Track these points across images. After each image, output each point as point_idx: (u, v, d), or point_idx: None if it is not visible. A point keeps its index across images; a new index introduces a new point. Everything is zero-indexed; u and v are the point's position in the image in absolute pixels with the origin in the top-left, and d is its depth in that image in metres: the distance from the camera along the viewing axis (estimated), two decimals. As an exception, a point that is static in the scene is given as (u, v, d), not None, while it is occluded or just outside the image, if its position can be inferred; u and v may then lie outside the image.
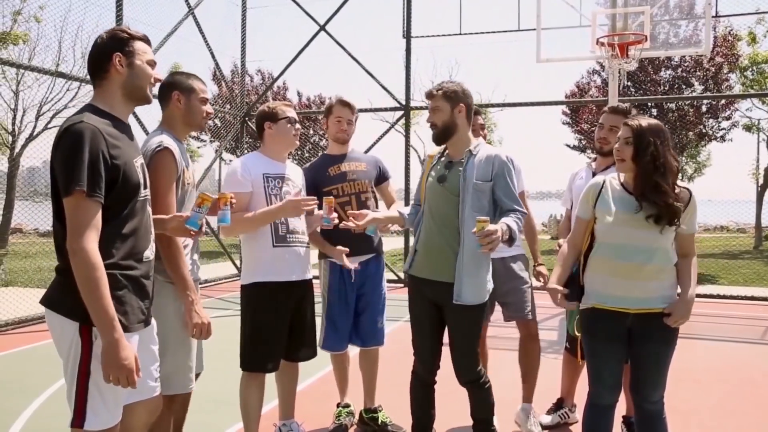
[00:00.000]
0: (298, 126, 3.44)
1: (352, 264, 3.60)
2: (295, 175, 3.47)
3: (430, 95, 3.14)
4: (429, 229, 3.13)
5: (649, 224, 2.71)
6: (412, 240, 3.33)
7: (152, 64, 2.36)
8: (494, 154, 3.11)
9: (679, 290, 2.83)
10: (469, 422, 3.26)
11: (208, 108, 2.95)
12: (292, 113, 3.41)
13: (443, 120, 3.11)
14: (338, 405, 4.02)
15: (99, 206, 2.10)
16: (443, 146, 3.22)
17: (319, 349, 3.66)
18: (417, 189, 3.34)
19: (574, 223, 3.01)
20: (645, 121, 2.78)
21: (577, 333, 3.02)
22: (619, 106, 3.77)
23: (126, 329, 2.17)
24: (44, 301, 2.21)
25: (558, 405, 4.09)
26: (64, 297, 2.11)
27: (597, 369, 2.88)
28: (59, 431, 2.18)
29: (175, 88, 2.87)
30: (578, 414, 4.06)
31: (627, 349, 2.85)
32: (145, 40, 2.37)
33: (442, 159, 3.21)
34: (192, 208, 2.65)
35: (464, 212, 3.03)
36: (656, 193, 2.68)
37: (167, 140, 2.74)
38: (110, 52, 2.27)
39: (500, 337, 4.20)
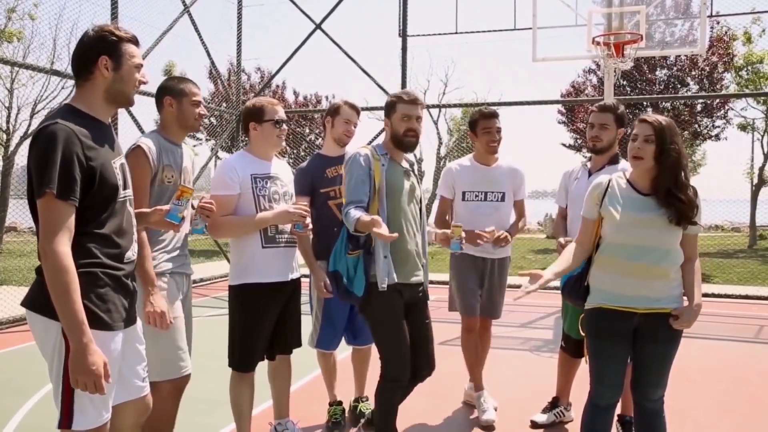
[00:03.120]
0: (284, 127, 3.39)
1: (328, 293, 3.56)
2: (283, 173, 3.44)
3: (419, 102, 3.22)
4: (404, 233, 3.14)
5: (659, 224, 2.69)
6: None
7: (139, 67, 2.30)
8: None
9: (683, 291, 2.82)
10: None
11: (200, 110, 3.08)
12: (278, 113, 3.34)
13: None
14: (330, 404, 4.02)
15: (71, 208, 2.05)
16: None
17: (311, 349, 3.64)
18: (362, 189, 3.06)
19: (580, 224, 2.96)
20: (661, 117, 2.75)
21: (582, 333, 2.96)
22: (606, 104, 3.77)
23: (109, 327, 2.16)
24: (26, 303, 2.17)
25: (553, 404, 4.10)
26: (47, 298, 2.04)
27: (599, 369, 2.85)
28: (54, 430, 2.16)
29: (167, 93, 3.03)
30: (573, 413, 4.07)
31: (630, 349, 2.84)
32: (134, 41, 2.29)
33: (398, 164, 3.23)
34: (171, 201, 2.67)
35: (424, 216, 3.34)
36: (681, 190, 2.67)
37: (144, 140, 2.90)
38: (97, 55, 2.20)
39: (495, 336, 4.21)
